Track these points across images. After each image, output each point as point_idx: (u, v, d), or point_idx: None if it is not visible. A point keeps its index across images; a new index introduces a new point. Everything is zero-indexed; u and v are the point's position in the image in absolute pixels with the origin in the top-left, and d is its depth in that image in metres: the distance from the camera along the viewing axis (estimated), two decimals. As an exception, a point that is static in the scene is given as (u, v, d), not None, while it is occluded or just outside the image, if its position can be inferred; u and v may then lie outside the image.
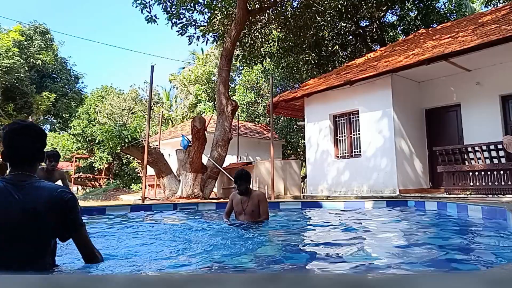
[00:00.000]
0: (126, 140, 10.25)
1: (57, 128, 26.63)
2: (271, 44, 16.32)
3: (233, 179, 10.62)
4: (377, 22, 18.06)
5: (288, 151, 21.16)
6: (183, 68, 28.51)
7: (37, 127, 1.84)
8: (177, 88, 28.64)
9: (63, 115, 24.68)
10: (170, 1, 12.79)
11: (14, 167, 1.73)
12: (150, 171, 11.78)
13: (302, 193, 11.89)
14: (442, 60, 7.64)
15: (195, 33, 13.91)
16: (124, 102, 27.05)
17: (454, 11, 18.01)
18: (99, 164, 25.25)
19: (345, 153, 10.10)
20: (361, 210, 5.96)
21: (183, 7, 12.99)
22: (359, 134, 9.70)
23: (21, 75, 20.26)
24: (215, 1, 13.42)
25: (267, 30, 15.51)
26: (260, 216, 4.12)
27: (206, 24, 13.82)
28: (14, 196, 1.64)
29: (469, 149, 7.25)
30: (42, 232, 1.69)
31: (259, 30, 15.14)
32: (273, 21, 14.91)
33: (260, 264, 2.35)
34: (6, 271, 1.55)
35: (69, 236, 1.80)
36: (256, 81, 21.32)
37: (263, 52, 15.97)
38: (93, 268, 1.88)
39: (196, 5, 13.13)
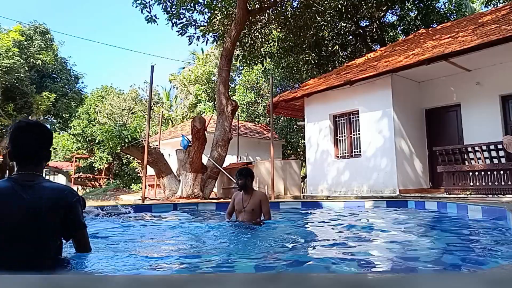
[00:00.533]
0: (126, 140, 10.25)
1: (57, 128, 26.63)
2: (271, 44, 16.32)
3: (233, 179, 10.61)
4: (377, 22, 18.06)
5: (288, 151, 21.16)
6: (183, 68, 28.53)
7: (42, 125, 1.84)
8: (177, 88, 28.66)
9: (63, 115, 24.67)
10: (170, 1, 12.79)
11: (20, 166, 1.73)
12: (150, 171, 11.77)
13: (302, 193, 11.89)
14: (442, 60, 7.64)
15: (195, 33, 13.90)
16: (124, 102, 27.05)
17: (454, 11, 18.01)
18: (99, 164, 25.24)
19: (345, 153, 10.10)
20: (361, 210, 5.96)
21: (183, 7, 12.98)
22: (359, 134, 9.70)
23: (21, 75, 20.24)
24: (215, 1, 13.41)
25: (267, 30, 15.50)
26: (262, 217, 4.15)
27: (206, 24, 13.82)
28: (22, 196, 1.63)
29: (469, 149, 7.25)
30: (48, 232, 1.70)
31: (259, 30, 15.13)
32: (273, 21, 14.91)
33: (260, 264, 2.35)
34: (10, 271, 1.55)
35: (71, 236, 1.82)
36: (256, 81, 21.32)
37: (263, 52, 15.96)
38: (93, 268, 1.88)
39: (196, 5, 13.13)
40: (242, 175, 4.16)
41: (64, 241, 1.85)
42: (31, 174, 1.72)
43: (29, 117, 21.99)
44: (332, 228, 4.25)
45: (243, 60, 15.75)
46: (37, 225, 1.66)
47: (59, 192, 1.74)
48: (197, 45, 41.85)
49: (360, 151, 9.63)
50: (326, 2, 14.99)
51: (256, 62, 16.28)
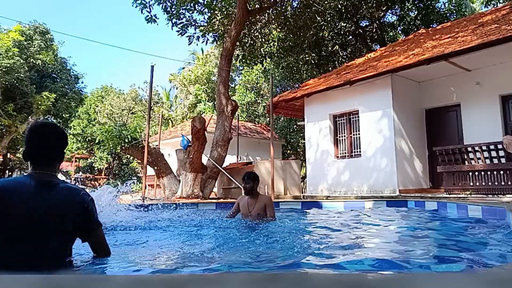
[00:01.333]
0: (126, 140, 10.25)
1: (57, 128, 26.63)
2: (271, 44, 16.32)
3: (233, 179, 10.58)
4: (377, 22, 18.05)
5: (288, 151, 21.16)
6: (183, 68, 28.54)
7: (56, 126, 1.89)
8: (177, 88, 28.67)
9: (63, 115, 24.67)
10: (170, 1, 12.78)
11: (34, 166, 1.76)
12: (150, 171, 11.77)
13: (302, 193, 11.89)
14: (442, 60, 7.64)
15: (195, 33, 13.90)
16: (124, 102, 27.06)
17: (454, 11, 18.00)
18: (99, 164, 25.25)
19: (345, 153, 10.10)
20: (361, 210, 5.96)
21: (183, 7, 12.98)
22: (359, 134, 9.70)
23: (21, 75, 20.23)
24: (215, 1, 13.41)
25: (267, 30, 15.50)
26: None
27: (206, 24, 13.82)
28: (42, 195, 1.67)
29: (469, 149, 7.25)
30: (67, 231, 1.73)
31: (259, 30, 15.13)
32: (273, 21, 14.90)
33: (260, 264, 2.35)
34: (33, 270, 1.56)
35: (88, 236, 1.84)
36: (256, 81, 21.32)
37: (263, 52, 15.95)
38: (94, 268, 1.88)
39: (196, 5, 13.13)
40: (250, 178, 4.14)
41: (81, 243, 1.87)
42: (48, 174, 1.76)
43: (29, 117, 22.01)
44: (332, 229, 4.25)
45: (243, 60, 15.75)
46: (62, 225, 1.69)
47: (75, 193, 1.79)
48: (197, 45, 41.89)
49: (360, 151, 9.63)
50: (326, 2, 14.99)
51: (256, 62, 16.27)
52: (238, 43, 13.63)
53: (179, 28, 13.31)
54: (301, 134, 17.75)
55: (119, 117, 26.00)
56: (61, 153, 1.85)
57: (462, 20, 11.55)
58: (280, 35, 15.98)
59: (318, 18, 15.11)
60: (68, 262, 1.78)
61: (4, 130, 22.28)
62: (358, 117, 9.70)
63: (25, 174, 1.81)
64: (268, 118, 17.68)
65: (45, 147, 1.78)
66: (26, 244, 1.60)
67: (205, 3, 13.15)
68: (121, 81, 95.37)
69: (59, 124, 26.29)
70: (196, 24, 13.73)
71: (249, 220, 4.10)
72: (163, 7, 12.80)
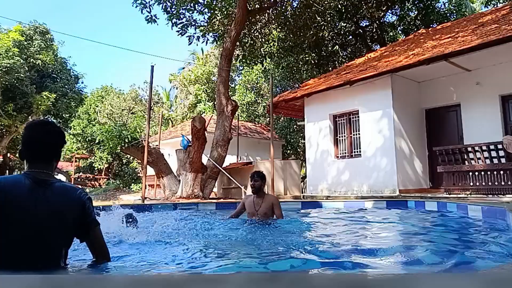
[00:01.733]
0: (126, 140, 10.26)
1: (57, 128, 26.63)
2: (271, 44, 16.32)
3: (233, 179, 10.57)
4: (377, 22, 18.05)
5: (288, 151, 21.16)
6: (183, 68, 28.55)
7: (53, 124, 1.86)
8: (177, 88, 28.68)
9: (63, 115, 24.65)
10: (170, 1, 12.79)
11: (30, 165, 1.74)
12: (150, 171, 11.78)
13: (302, 193, 11.89)
14: (442, 60, 7.64)
15: (195, 33, 13.92)
16: (124, 102, 27.08)
17: (454, 11, 18.00)
18: (99, 164, 25.24)
19: (345, 153, 10.10)
20: (361, 210, 5.96)
21: (183, 7, 12.99)
22: (359, 134, 9.70)
23: (21, 75, 20.21)
24: (215, 1, 13.42)
25: (267, 30, 15.51)
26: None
27: (206, 24, 13.82)
28: (38, 194, 1.65)
29: (469, 149, 7.25)
30: (66, 232, 1.72)
31: (259, 30, 15.14)
32: (273, 21, 14.91)
33: (260, 263, 2.35)
34: (32, 270, 1.55)
35: (87, 236, 1.82)
36: (256, 81, 21.32)
37: (263, 52, 15.96)
38: (94, 268, 1.88)
39: (196, 5, 13.13)
40: (259, 177, 4.21)
41: (79, 243, 1.86)
42: (44, 173, 1.73)
43: (29, 117, 22.01)
44: (331, 228, 4.25)
45: (243, 60, 15.75)
46: (61, 224, 1.68)
47: (71, 191, 1.77)
48: (197, 45, 41.93)
49: (360, 151, 9.63)
50: (326, 2, 14.99)
51: (256, 62, 16.28)
52: (238, 43, 13.63)
53: (179, 28, 13.32)
54: (301, 134, 17.75)
55: (119, 117, 26.01)
56: (58, 151, 1.82)
57: (462, 20, 11.55)
58: (280, 35, 15.98)
59: (318, 18, 15.11)
60: (67, 262, 1.77)
61: (4, 130, 22.28)
62: (358, 117, 9.70)
63: (21, 172, 1.78)
64: (268, 118, 17.68)
65: (41, 145, 1.75)
66: (24, 244, 1.58)
67: (205, 3, 13.15)
68: (121, 81, 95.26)
69: (59, 124, 26.30)
70: (196, 24, 13.74)
71: (255, 219, 4.11)
72: (163, 7, 12.81)
